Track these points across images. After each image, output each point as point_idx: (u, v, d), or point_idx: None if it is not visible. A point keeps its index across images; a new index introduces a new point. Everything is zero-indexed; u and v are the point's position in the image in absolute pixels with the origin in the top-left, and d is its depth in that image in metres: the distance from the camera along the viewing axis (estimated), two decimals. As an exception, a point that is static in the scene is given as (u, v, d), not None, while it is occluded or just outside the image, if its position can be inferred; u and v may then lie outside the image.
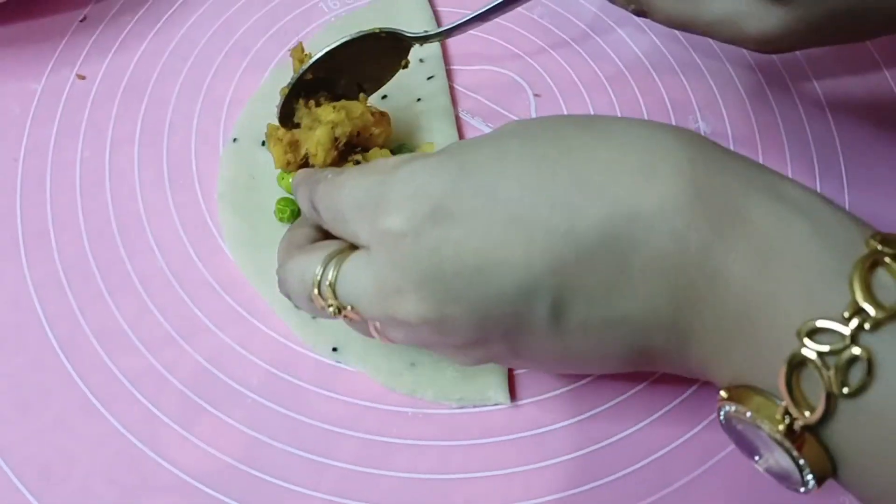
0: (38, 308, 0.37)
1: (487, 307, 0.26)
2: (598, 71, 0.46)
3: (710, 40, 0.48)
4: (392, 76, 0.41)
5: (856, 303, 0.22)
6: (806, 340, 0.23)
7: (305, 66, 0.38)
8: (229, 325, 0.37)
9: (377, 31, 0.39)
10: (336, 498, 0.33)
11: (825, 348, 0.22)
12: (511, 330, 0.27)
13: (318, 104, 0.38)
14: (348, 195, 0.29)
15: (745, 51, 0.47)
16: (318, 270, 0.29)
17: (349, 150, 0.38)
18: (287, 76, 0.43)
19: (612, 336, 0.27)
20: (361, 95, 0.39)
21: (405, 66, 0.41)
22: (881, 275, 0.23)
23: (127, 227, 0.40)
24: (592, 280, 0.26)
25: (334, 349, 0.36)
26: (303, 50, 0.39)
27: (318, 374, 0.36)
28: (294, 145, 0.38)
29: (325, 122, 0.37)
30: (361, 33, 0.38)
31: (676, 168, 0.26)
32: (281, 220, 0.39)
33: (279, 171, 0.40)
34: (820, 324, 0.22)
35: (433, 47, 0.46)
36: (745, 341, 0.25)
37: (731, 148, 0.42)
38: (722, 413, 0.26)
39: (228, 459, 0.34)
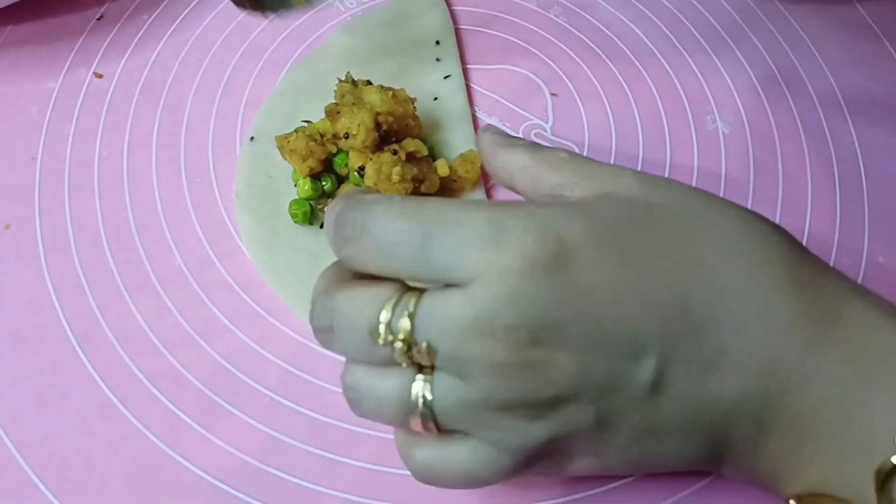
0: (57, 308, 0.37)
1: (595, 359, 0.25)
2: (614, 69, 0.46)
3: (729, 39, 0.47)
4: None
5: None
6: None
7: None
8: (247, 324, 0.37)
9: None
10: (354, 497, 0.33)
11: None
12: (606, 391, 0.26)
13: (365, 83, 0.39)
14: (454, 222, 0.26)
15: (761, 48, 0.47)
16: (394, 298, 0.26)
17: (387, 138, 0.39)
18: (303, 76, 0.44)
19: (699, 415, 0.26)
20: (403, 89, 0.39)
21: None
22: None
23: (145, 226, 0.40)
24: (694, 356, 0.26)
25: (352, 349, 0.36)
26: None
27: (336, 373, 0.36)
28: (311, 150, 0.38)
29: (370, 103, 0.38)
30: None
31: (783, 265, 0.27)
32: (295, 221, 0.39)
33: (293, 171, 0.40)
34: None
35: (450, 47, 0.46)
36: (832, 444, 0.25)
37: (750, 149, 0.43)
38: None
39: (247, 458, 0.34)
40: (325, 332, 0.28)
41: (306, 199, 0.39)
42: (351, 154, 0.38)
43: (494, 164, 0.32)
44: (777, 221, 0.40)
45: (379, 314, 0.26)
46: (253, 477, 0.33)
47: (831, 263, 0.39)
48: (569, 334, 0.25)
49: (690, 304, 0.26)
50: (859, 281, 0.39)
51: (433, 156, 0.40)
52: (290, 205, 0.39)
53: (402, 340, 0.25)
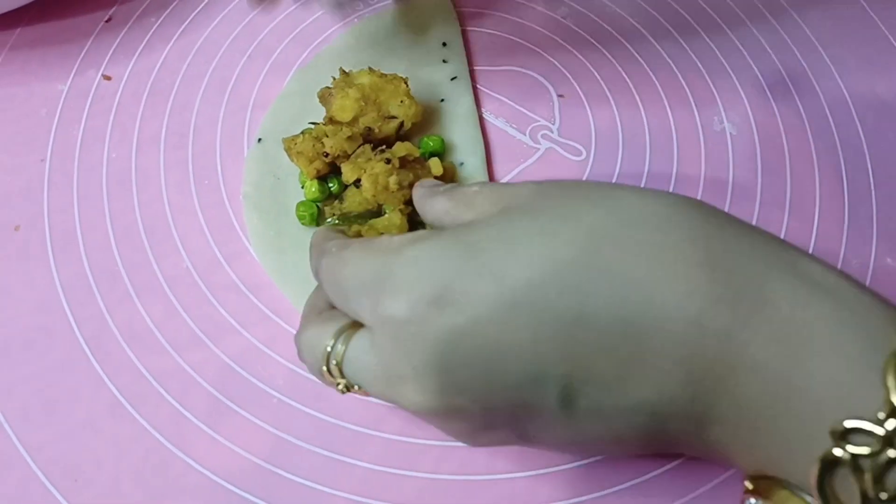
0: (66, 309, 0.37)
1: (493, 396, 0.25)
2: (622, 71, 0.46)
3: (736, 39, 0.47)
4: None
5: (891, 402, 0.21)
6: (839, 441, 0.22)
7: None
8: (255, 325, 0.37)
9: None
10: (361, 498, 0.33)
11: (860, 450, 0.21)
12: (518, 417, 0.26)
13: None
14: (351, 274, 0.28)
15: (771, 52, 0.47)
16: (329, 344, 0.28)
17: (373, 143, 0.39)
18: (310, 78, 0.44)
19: (626, 422, 0.25)
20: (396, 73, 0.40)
21: None
22: None
23: (153, 228, 0.40)
24: (604, 366, 0.24)
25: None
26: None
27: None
28: (318, 151, 0.38)
29: (360, 84, 0.39)
30: None
31: (691, 246, 0.25)
32: (302, 223, 0.39)
33: (301, 172, 0.40)
34: (853, 424, 0.22)
35: (456, 48, 0.46)
36: (771, 433, 0.24)
37: (758, 150, 0.43)
38: None
39: (255, 459, 0.34)
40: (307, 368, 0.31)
41: (314, 201, 0.39)
42: (343, 168, 0.38)
43: (425, 215, 0.33)
44: (785, 223, 0.40)
45: (322, 361, 0.29)
46: (260, 477, 0.34)
47: (839, 265, 0.39)
48: (461, 378, 0.25)
49: (588, 316, 0.24)
50: (867, 283, 0.39)
51: (441, 154, 0.41)
52: (298, 207, 0.39)
53: (339, 384, 0.29)
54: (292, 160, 0.39)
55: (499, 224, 0.27)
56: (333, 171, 0.40)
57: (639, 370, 0.24)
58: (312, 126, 0.40)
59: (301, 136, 0.39)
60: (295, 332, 0.36)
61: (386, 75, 0.40)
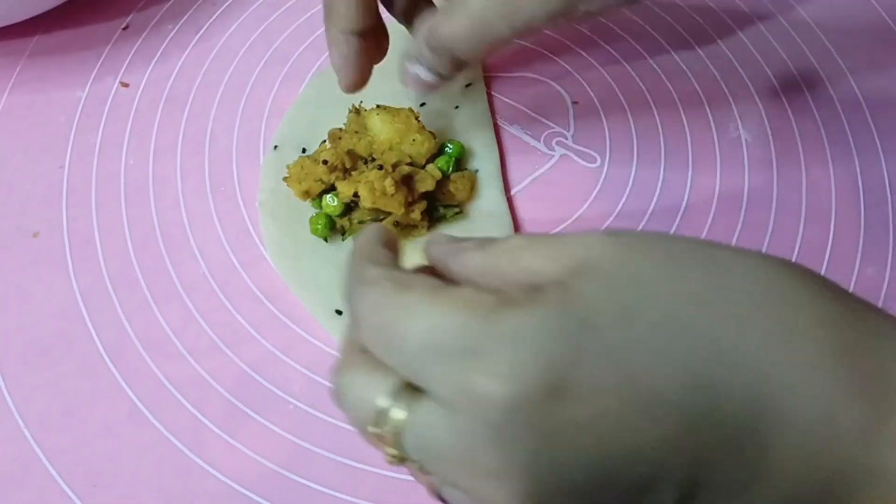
0: (84, 315, 0.38)
1: (597, 502, 0.22)
2: (637, 78, 0.46)
3: (749, 43, 0.47)
4: None
5: None
6: None
7: None
8: (272, 332, 0.37)
9: None
10: (376, 504, 0.33)
11: None
12: None
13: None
14: (418, 329, 0.22)
15: (786, 58, 0.47)
16: (384, 406, 0.23)
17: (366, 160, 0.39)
18: (326, 85, 0.44)
19: None
20: (410, 108, 0.40)
21: None
22: None
23: (171, 235, 0.40)
24: (730, 468, 0.21)
25: (375, 357, 0.36)
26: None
27: (358, 382, 0.36)
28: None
29: (371, 128, 0.39)
30: None
31: (822, 329, 0.22)
32: (315, 235, 0.39)
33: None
34: None
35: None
36: None
37: (773, 156, 0.43)
38: None
39: (271, 465, 0.34)
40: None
41: (329, 215, 0.39)
42: (339, 186, 0.38)
43: (453, 275, 0.26)
44: (801, 230, 0.40)
45: (370, 420, 0.23)
46: (276, 483, 0.34)
47: (855, 272, 0.39)
48: (566, 480, 0.21)
49: (718, 410, 0.21)
50: (883, 290, 0.39)
51: (460, 159, 0.41)
52: (311, 220, 0.39)
53: (395, 457, 0.23)
54: (288, 184, 0.39)
55: (614, 292, 0.22)
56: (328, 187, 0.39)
57: (765, 474, 0.21)
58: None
59: (301, 159, 0.39)
60: (308, 336, 0.37)
61: (397, 112, 0.39)
